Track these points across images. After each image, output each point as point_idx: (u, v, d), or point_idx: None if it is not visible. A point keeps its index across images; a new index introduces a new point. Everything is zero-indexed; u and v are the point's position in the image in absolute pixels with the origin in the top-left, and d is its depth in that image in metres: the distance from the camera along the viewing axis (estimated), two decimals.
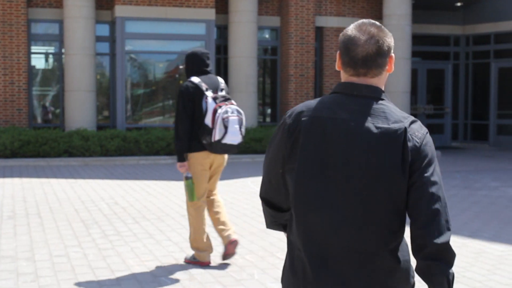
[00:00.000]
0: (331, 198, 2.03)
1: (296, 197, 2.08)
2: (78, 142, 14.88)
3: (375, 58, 2.08)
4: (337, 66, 2.17)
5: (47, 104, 16.90)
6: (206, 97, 5.72)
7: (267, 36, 18.45)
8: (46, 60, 16.90)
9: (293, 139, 2.10)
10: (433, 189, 1.99)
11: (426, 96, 20.62)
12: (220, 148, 5.67)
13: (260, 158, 15.72)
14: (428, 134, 2.11)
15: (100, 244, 6.82)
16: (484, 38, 20.69)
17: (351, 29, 2.11)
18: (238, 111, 5.75)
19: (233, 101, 5.80)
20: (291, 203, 2.12)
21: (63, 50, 16.75)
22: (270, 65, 18.52)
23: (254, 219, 8.21)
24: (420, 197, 1.99)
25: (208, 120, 5.66)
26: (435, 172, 2.03)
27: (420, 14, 20.79)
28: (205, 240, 5.90)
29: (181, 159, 5.75)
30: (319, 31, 18.67)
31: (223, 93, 5.85)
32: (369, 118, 2.03)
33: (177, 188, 10.84)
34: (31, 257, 6.24)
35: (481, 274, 5.74)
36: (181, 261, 6.12)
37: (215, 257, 6.28)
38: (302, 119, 2.10)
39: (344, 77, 2.15)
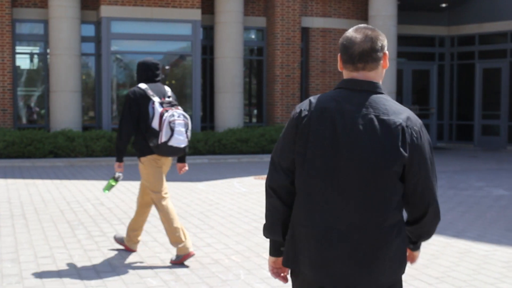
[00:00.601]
0: (337, 177, 2.34)
1: (305, 177, 2.39)
2: (63, 142, 14.82)
3: (370, 53, 2.40)
4: (339, 67, 2.48)
5: (32, 104, 16.81)
6: (153, 102, 6.01)
7: (253, 36, 18.46)
8: (31, 61, 16.82)
9: (304, 124, 2.41)
10: (428, 173, 2.37)
11: (411, 97, 20.71)
12: (166, 150, 5.92)
13: (246, 159, 15.72)
14: (422, 124, 2.43)
15: (86, 245, 6.79)
16: (468, 39, 20.81)
17: (349, 32, 2.46)
18: (184, 116, 6.04)
19: (179, 107, 6.10)
20: (298, 182, 2.41)
21: (48, 51, 16.67)
22: (256, 65, 18.53)
23: (240, 220, 8.21)
24: (417, 176, 2.36)
25: (155, 124, 5.94)
26: (430, 156, 2.39)
27: (405, 15, 20.88)
28: (181, 232, 6.04)
29: (120, 158, 6.04)
30: (305, 32, 18.70)
31: (170, 99, 6.12)
32: (371, 110, 2.35)
33: None
34: (16, 258, 6.21)
35: (466, 273, 5.78)
36: (167, 262, 6.11)
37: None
38: (312, 110, 2.41)
39: (346, 74, 2.47)
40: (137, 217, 6.36)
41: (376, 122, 2.33)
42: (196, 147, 15.81)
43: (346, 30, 18.84)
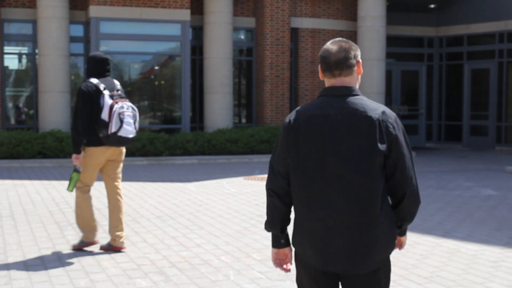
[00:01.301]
0: (328, 173, 2.70)
1: (301, 176, 2.74)
2: (52, 143, 14.76)
3: (344, 61, 2.77)
4: (320, 76, 2.85)
5: (21, 105, 16.74)
6: (104, 95, 6.35)
7: (242, 37, 18.46)
8: (20, 61, 16.74)
9: (295, 131, 2.76)
10: (405, 159, 2.73)
11: (400, 97, 20.78)
12: (116, 140, 6.29)
13: (236, 159, 15.72)
14: (397, 117, 2.71)
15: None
16: (457, 40, 20.90)
17: (326, 44, 2.84)
18: (132, 108, 6.42)
19: (127, 100, 6.47)
20: (295, 181, 2.76)
21: (36, 51, 16.61)
22: (246, 66, 18.53)
23: (230, 220, 8.21)
24: (396, 165, 2.72)
25: (104, 115, 6.28)
26: (406, 145, 2.74)
27: (394, 15, 20.94)
28: (91, 220, 6.51)
29: (78, 151, 6.30)
30: (295, 32, 18.72)
31: (119, 92, 6.48)
32: (350, 111, 2.71)
33: (153, 190, 10.81)
34: (5, 259, 6.18)
35: (455, 273, 5.80)
36: (157, 263, 6.10)
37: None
38: (301, 117, 2.77)
39: (326, 82, 2.83)
40: (110, 210, 6.61)
41: (356, 121, 2.69)
42: (185, 148, 15.80)
43: (335, 30, 18.88)
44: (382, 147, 2.67)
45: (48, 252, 6.50)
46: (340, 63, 2.77)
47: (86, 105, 6.28)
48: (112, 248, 6.51)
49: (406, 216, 2.79)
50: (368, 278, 2.74)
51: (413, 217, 2.80)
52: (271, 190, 2.82)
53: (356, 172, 2.66)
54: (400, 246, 2.94)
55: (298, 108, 2.82)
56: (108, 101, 6.31)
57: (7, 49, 16.53)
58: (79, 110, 6.27)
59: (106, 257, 6.31)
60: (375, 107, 2.72)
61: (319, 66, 2.83)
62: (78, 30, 16.94)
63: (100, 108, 6.31)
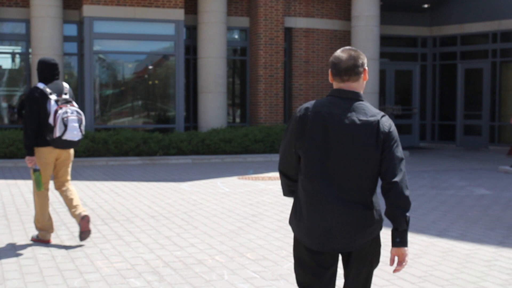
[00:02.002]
0: (329, 166, 3.09)
1: (306, 164, 3.13)
2: None
3: (353, 68, 3.14)
4: (330, 79, 3.22)
5: (14, 104, 16.69)
6: (50, 100, 6.67)
7: (236, 36, 18.46)
8: (13, 60, 16.70)
9: (302, 126, 3.14)
10: (398, 160, 3.09)
11: (394, 97, 20.81)
12: (61, 143, 6.62)
13: (230, 159, 15.72)
14: (393, 123, 3.04)
15: (69, 246, 6.76)
16: (450, 40, 20.94)
17: (337, 52, 3.19)
18: (77, 112, 6.73)
19: (74, 103, 6.76)
20: (302, 168, 3.16)
21: (30, 50, 16.57)
22: (240, 65, 18.53)
23: (224, 220, 8.21)
24: (389, 166, 3.07)
25: (51, 120, 6.60)
26: (399, 149, 3.11)
27: (388, 15, 20.97)
28: (47, 221, 6.84)
29: (30, 153, 6.65)
30: (288, 32, 18.73)
31: (66, 96, 6.79)
32: (353, 113, 3.10)
33: (146, 189, 10.79)
34: None
35: (449, 272, 5.81)
36: (151, 263, 6.09)
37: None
38: (309, 113, 3.14)
39: (335, 85, 3.20)
40: (64, 200, 6.94)
41: (357, 122, 3.07)
42: (179, 147, 15.78)
43: (329, 30, 18.90)
44: (377, 147, 3.07)
45: (41, 252, 6.49)
46: (349, 70, 3.14)
47: (33, 112, 6.60)
48: (82, 228, 6.73)
49: (395, 209, 3.05)
50: (360, 253, 3.20)
51: (404, 214, 3.06)
52: (281, 172, 3.32)
53: (354, 163, 3.07)
54: (399, 262, 3.13)
55: (307, 104, 3.19)
56: (53, 106, 6.64)
57: (0, 48, 16.48)
58: (27, 116, 6.61)
59: (100, 256, 6.30)
60: (375, 113, 3.11)
61: (330, 70, 3.21)
62: (71, 30, 16.90)
63: (47, 113, 6.64)
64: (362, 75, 3.18)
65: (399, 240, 3.08)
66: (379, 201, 3.05)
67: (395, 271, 3.16)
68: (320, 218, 3.10)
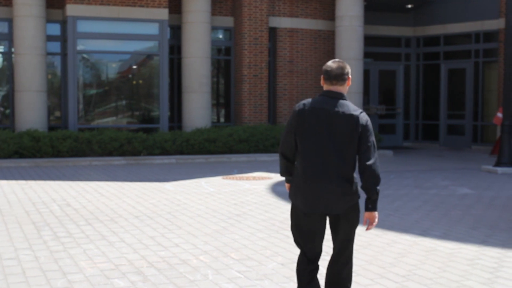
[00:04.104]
0: (322, 147, 4.04)
1: (303, 146, 4.09)
2: (28, 143, 14.64)
3: (341, 76, 4.13)
4: (322, 83, 4.22)
5: None
6: None
7: (220, 36, 18.44)
8: None
9: (301, 117, 4.10)
10: (372, 147, 4.05)
11: (378, 97, 20.88)
12: None
13: (214, 159, 15.71)
14: (369, 118, 3.83)
15: (52, 246, 6.73)
16: (434, 40, 21.05)
17: (329, 62, 4.18)
18: None
19: None
20: (299, 149, 4.11)
21: (13, 50, 16.45)
22: (224, 65, 18.51)
23: (208, 220, 8.20)
24: (365, 151, 4.04)
25: None
26: (372, 138, 4.07)
27: (372, 15, 21.04)
28: None
29: None
30: (273, 32, 18.74)
31: None
32: (339, 108, 4.06)
33: (130, 189, 10.76)
34: None
35: (432, 271, 5.84)
36: (135, 263, 6.08)
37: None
38: (306, 108, 4.12)
39: (325, 87, 4.19)
40: None
41: (342, 115, 4.04)
42: (163, 147, 15.75)
43: (313, 30, 18.93)
44: (357, 133, 4.02)
45: (24, 252, 6.45)
46: (337, 77, 4.12)
47: None
48: None
49: (369, 184, 4.01)
50: (344, 215, 4.13)
51: (375, 187, 4.02)
52: (282, 153, 4.23)
53: (339, 146, 4.03)
54: (370, 223, 4.12)
55: (304, 101, 4.19)
56: None
57: None
58: None
59: (84, 257, 6.27)
60: (356, 109, 4.09)
61: (322, 76, 4.20)
62: (55, 29, 16.81)
63: None
64: (347, 81, 4.17)
65: (371, 207, 4.07)
66: (357, 177, 3.58)
67: (367, 229, 4.16)
68: (313, 188, 4.04)
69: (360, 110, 4.07)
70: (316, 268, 4.26)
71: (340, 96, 4.12)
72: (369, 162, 4.00)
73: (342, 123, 4.02)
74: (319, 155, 4.05)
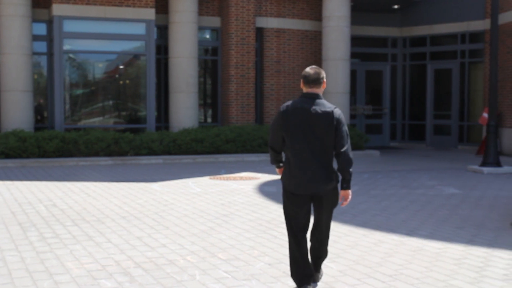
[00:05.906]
0: (305, 141, 4.89)
1: (290, 141, 4.93)
2: (14, 143, 14.56)
3: (317, 80, 4.97)
4: (301, 86, 5.01)
5: None
6: None
7: (207, 36, 18.43)
8: None
9: (285, 116, 4.94)
10: (345, 137, 4.92)
11: (365, 97, 20.94)
12: None
13: (201, 159, 15.69)
14: (342, 113, 5.04)
15: (38, 247, 6.69)
16: (420, 40, 21.14)
17: (307, 69, 4.98)
18: None
19: None
20: (287, 144, 4.96)
21: None
22: (211, 65, 18.50)
23: (195, 220, 8.19)
24: (339, 140, 4.89)
25: None
26: (345, 128, 4.92)
27: (359, 16, 21.10)
28: None
29: None
30: (260, 32, 18.74)
31: None
32: (317, 107, 4.91)
33: (117, 190, 10.73)
34: None
35: (419, 271, 5.87)
36: (122, 263, 6.06)
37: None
38: (289, 108, 4.95)
39: (304, 89, 5.01)
40: None
41: (319, 112, 4.89)
42: (150, 147, 15.71)
43: (300, 30, 18.95)
44: (332, 125, 4.87)
45: (10, 253, 6.41)
46: (314, 81, 4.97)
47: None
48: None
49: (343, 167, 4.90)
50: (324, 197, 5.05)
51: (348, 169, 4.89)
52: (271, 147, 5.10)
53: (320, 139, 4.89)
54: (345, 199, 4.99)
55: (288, 102, 4.96)
56: None
57: None
58: None
59: (70, 258, 6.25)
60: (330, 106, 4.94)
61: (301, 80, 5.00)
62: (41, 29, 16.73)
63: None
64: (322, 84, 5.01)
65: (345, 186, 4.96)
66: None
67: (342, 205, 5.03)
68: (302, 174, 4.91)
69: (334, 106, 4.94)
70: (305, 247, 5.05)
71: (317, 96, 4.97)
72: (343, 149, 4.88)
73: (320, 118, 4.87)
74: (304, 147, 4.89)
